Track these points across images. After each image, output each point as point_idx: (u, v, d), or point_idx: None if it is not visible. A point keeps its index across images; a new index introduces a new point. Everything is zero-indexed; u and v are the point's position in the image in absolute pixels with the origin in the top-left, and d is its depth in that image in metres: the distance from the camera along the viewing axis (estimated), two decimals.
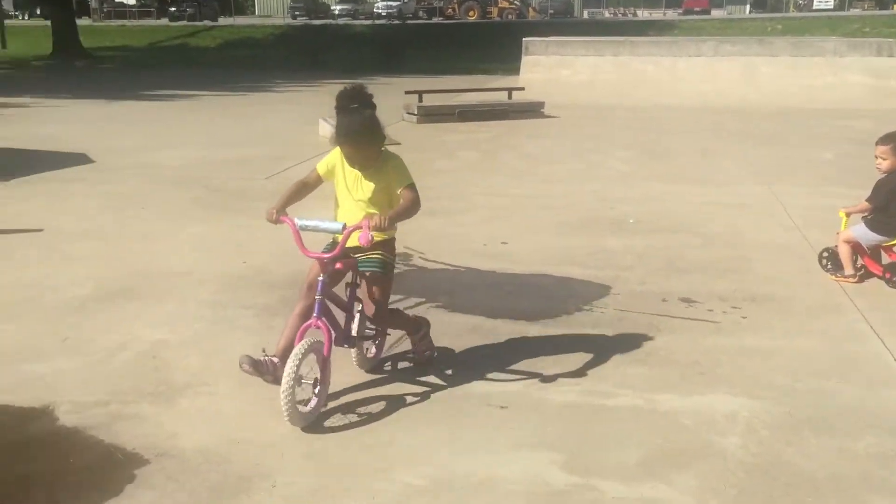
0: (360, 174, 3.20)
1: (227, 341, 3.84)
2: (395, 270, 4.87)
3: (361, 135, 3.08)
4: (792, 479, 2.68)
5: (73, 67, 25.18)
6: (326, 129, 10.13)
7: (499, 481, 2.68)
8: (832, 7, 54.93)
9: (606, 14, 53.90)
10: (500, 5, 47.61)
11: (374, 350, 3.56)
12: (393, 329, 3.58)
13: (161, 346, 3.78)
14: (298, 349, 2.91)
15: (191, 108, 14.14)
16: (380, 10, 49.85)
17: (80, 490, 2.59)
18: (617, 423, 3.09)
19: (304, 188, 3.30)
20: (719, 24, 36.92)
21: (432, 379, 3.47)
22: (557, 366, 3.59)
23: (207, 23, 43.38)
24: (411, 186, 3.19)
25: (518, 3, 48.36)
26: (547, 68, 16.23)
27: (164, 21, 45.67)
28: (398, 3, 51.30)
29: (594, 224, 6.06)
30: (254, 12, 62.42)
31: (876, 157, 4.71)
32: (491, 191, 7.22)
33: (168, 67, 25.30)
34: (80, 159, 8.50)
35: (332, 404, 3.21)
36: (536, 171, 8.15)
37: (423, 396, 3.32)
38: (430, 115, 12.00)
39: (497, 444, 2.93)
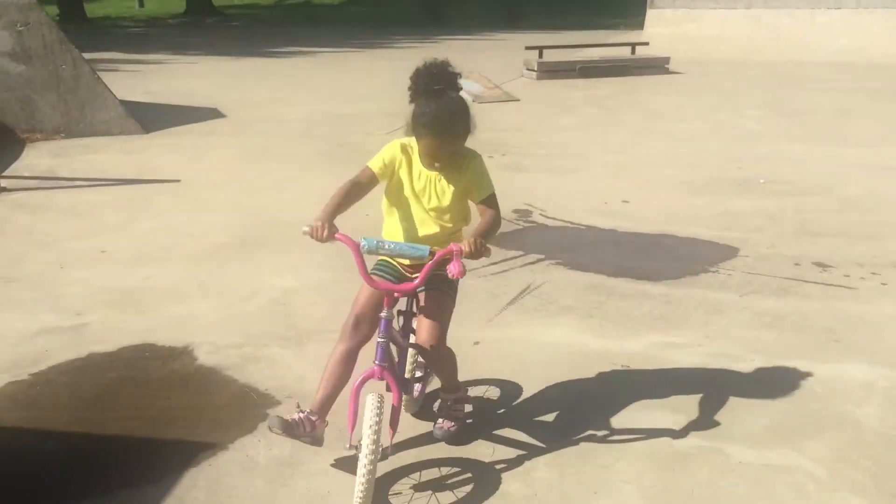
0: (435, 176, 2.47)
1: (352, 290, 3.93)
2: (516, 227, 4.90)
3: (455, 124, 2.35)
4: None
5: (205, 25, 26.13)
6: None
7: (619, 442, 2.66)
8: None
9: None
10: None
11: (419, 387, 2.84)
12: (442, 370, 2.65)
13: (290, 293, 3.92)
14: (373, 415, 2.20)
15: (314, 64, 14.44)
16: None
17: (218, 426, 2.74)
18: (745, 387, 3.01)
19: (356, 191, 2.48)
20: None
21: (554, 335, 3.46)
22: (681, 327, 3.52)
23: None
24: (493, 197, 2.50)
25: None
26: (673, 22, 15.65)
27: None
28: None
29: (721, 184, 5.85)
30: None
31: None
32: (612, 148, 7.08)
33: (292, 25, 25.89)
34: (212, 113, 8.85)
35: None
36: (660, 129, 7.91)
37: (545, 352, 3.32)
38: (550, 72, 11.82)
39: (619, 404, 2.90)
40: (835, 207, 5.23)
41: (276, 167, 6.52)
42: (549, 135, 7.72)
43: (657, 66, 12.33)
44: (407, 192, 2.52)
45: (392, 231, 2.59)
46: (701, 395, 2.94)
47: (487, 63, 13.23)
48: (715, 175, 6.09)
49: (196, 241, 4.71)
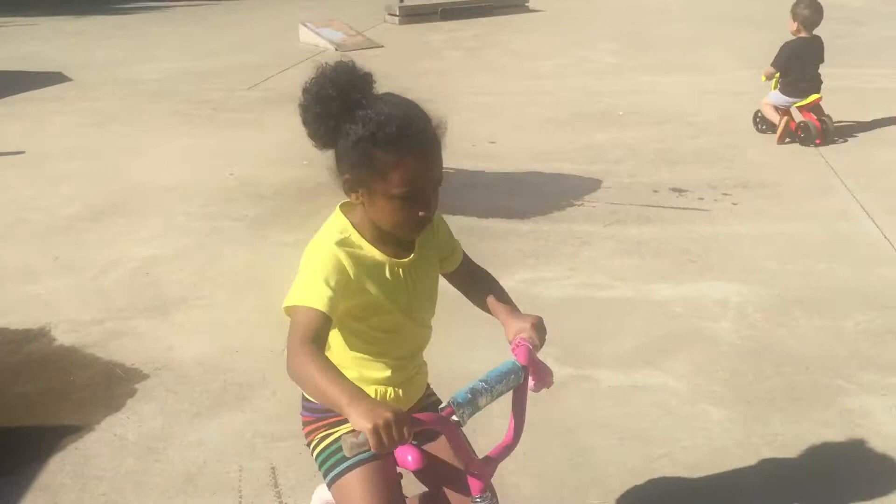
0: (411, 261, 1.54)
1: (219, 253, 3.84)
2: None
3: (438, 126, 1.50)
4: (782, 359, 2.73)
5: None
6: (307, 34, 9.88)
7: None
8: None
9: None
10: None
11: None
12: None
13: (152, 261, 3.77)
14: None
15: (165, 20, 13.72)
16: None
17: (83, 407, 2.62)
18: (611, 314, 3.12)
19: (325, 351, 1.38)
20: None
21: None
22: (551, 261, 3.60)
23: None
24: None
25: None
26: None
27: None
28: None
29: (583, 118, 5.98)
30: None
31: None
32: (477, 90, 7.10)
33: None
34: (57, 78, 8.30)
35: None
36: (522, 68, 7.99)
37: None
38: (412, 16, 11.68)
39: (493, 343, 2.95)
40: (689, 133, 5.45)
41: (130, 131, 6.19)
42: (414, 80, 7.64)
43: (517, 5, 12.38)
44: (386, 306, 1.50)
45: (365, 369, 1.55)
46: (571, 326, 3.03)
47: (348, 10, 12.93)
48: (577, 110, 6.22)
49: (46, 214, 4.43)
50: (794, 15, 5.16)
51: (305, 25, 9.99)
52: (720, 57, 8.02)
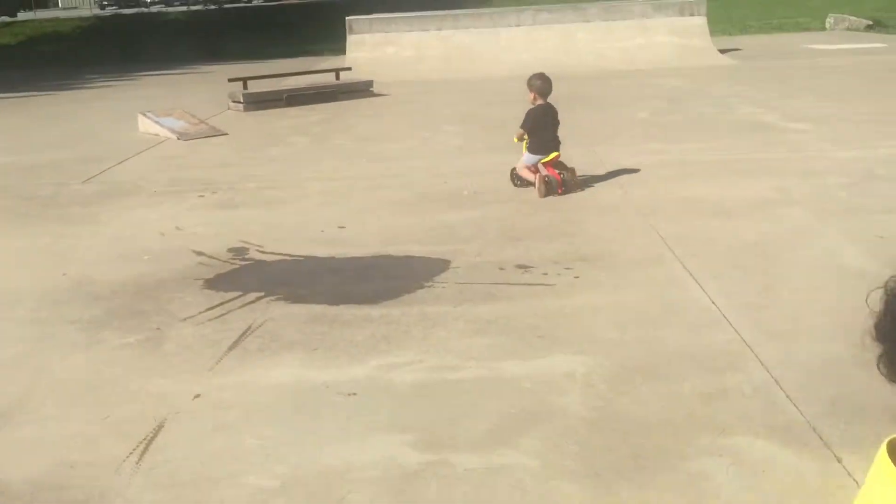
0: None
1: (50, 361, 3.60)
2: (232, 267, 4.76)
3: None
4: (628, 427, 2.82)
5: None
6: (147, 124, 9.65)
7: (353, 471, 2.66)
8: None
9: None
10: None
11: None
12: None
13: None
14: None
15: None
16: None
17: None
18: (464, 395, 3.14)
19: None
20: None
21: (279, 374, 3.39)
22: (403, 346, 3.61)
23: (5, 18, 40.10)
24: None
25: None
26: (372, 46, 16.15)
27: None
28: None
29: (430, 200, 6.11)
30: (57, 4, 58.47)
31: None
32: (324, 175, 7.13)
33: None
34: None
35: (172, 412, 3.07)
36: (369, 152, 8.11)
37: (271, 394, 3.24)
38: (257, 103, 11.66)
39: (349, 433, 2.91)
40: (530, 211, 5.67)
41: None
42: (260, 167, 7.61)
43: (362, 90, 12.64)
44: None
45: None
46: (426, 411, 3.02)
47: (192, 98, 12.77)
48: (424, 191, 6.35)
49: None
50: (530, 86, 6.21)
51: (145, 115, 9.76)
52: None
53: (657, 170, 6.62)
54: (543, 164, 6.08)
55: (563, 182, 6.00)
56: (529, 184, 6.05)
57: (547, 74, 6.27)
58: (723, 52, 15.55)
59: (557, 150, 6.08)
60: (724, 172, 6.43)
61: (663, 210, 5.45)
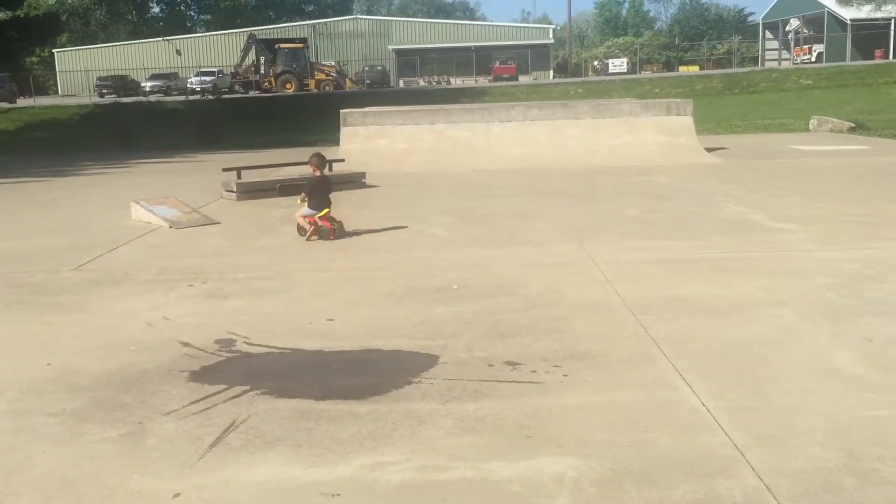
0: None
1: (29, 455, 3.52)
2: (218, 359, 4.72)
3: None
4: None
5: None
6: (139, 212, 9.71)
7: None
8: (625, 70, 59.89)
9: (421, 82, 55.94)
10: (316, 77, 48.19)
11: None
12: None
13: None
14: None
15: None
16: (194, 86, 49.12)
17: None
18: (451, 497, 3.07)
19: None
20: (527, 90, 39.10)
21: (262, 473, 3.32)
22: (389, 444, 3.55)
23: (5, 105, 40.81)
24: None
25: (335, 75, 49.15)
26: (366, 138, 16.45)
27: None
28: (213, 77, 50.82)
29: (419, 293, 6.11)
30: (56, 91, 59.69)
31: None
32: (315, 266, 7.15)
33: None
34: None
35: None
36: (359, 243, 8.16)
37: (253, 493, 3.16)
38: (249, 192, 11.80)
39: None
40: (520, 306, 5.67)
41: None
42: (251, 257, 7.63)
43: (355, 181, 12.81)
44: None
45: None
46: None
47: (185, 186, 12.92)
48: (413, 284, 6.36)
49: None
50: (311, 163, 8.42)
51: (138, 203, 9.84)
52: (546, 231, 8.54)
53: (645, 267, 6.67)
54: (319, 217, 8.18)
55: (333, 231, 8.19)
56: (305, 231, 8.26)
57: (322, 153, 8.72)
58: (709, 150, 15.92)
59: (329, 207, 8.25)
60: (711, 271, 6.49)
61: (652, 308, 5.47)
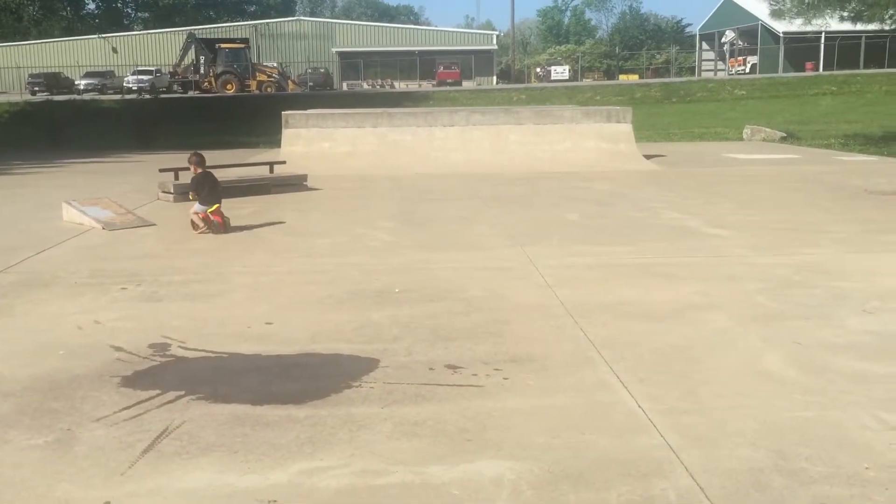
0: None
1: None
2: (152, 363, 4.60)
3: None
4: None
5: None
6: (71, 213, 9.44)
7: None
8: (567, 78, 60.66)
9: (365, 86, 55.76)
10: (258, 78, 47.60)
11: None
12: None
13: None
14: None
15: None
16: (130, 85, 48.08)
17: None
18: (389, 502, 3.05)
19: None
20: (470, 95, 39.27)
21: (195, 480, 3.25)
22: (328, 448, 3.51)
23: None
24: None
25: (277, 77, 48.62)
26: (308, 141, 16.30)
27: None
28: (150, 76, 49.79)
29: (360, 297, 6.07)
30: None
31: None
32: (253, 269, 7.04)
33: None
34: None
35: None
36: (299, 247, 8.07)
37: (186, 501, 3.09)
38: (187, 193, 11.55)
39: None
40: (460, 310, 5.68)
41: None
42: (187, 259, 7.48)
43: (296, 184, 12.69)
44: None
45: None
46: None
47: (120, 187, 12.62)
48: (354, 288, 6.32)
49: None
50: (190, 162, 8.93)
51: (70, 204, 9.57)
52: (488, 235, 8.58)
53: (586, 271, 6.75)
54: (210, 212, 8.61)
55: (223, 225, 8.67)
56: (198, 226, 8.65)
57: (202, 153, 9.11)
58: (648, 157, 16.22)
59: (219, 202, 8.68)
60: (649, 276, 6.60)
61: (591, 312, 5.53)
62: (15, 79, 50.12)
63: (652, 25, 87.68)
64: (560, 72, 62.57)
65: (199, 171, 8.83)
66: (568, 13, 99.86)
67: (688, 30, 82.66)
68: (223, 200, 8.95)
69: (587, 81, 55.53)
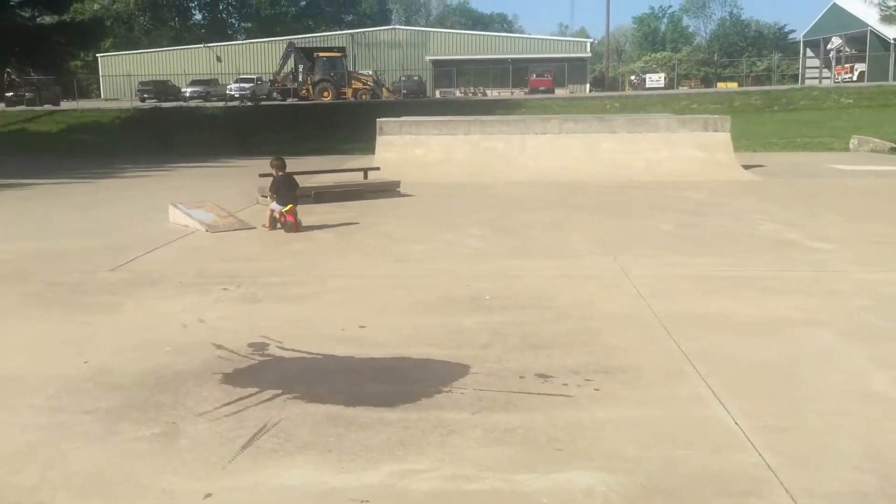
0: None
1: (64, 451, 3.58)
2: (251, 362, 4.76)
3: None
4: None
5: None
6: (177, 215, 9.85)
7: None
8: (663, 85, 59.56)
9: (458, 93, 56.05)
10: (353, 86, 48.46)
11: None
12: None
13: None
14: None
15: (27, 198, 13.42)
16: (233, 92, 49.67)
17: None
18: None
19: None
20: (563, 103, 38.98)
21: (291, 477, 3.34)
22: (419, 452, 3.55)
23: (49, 107, 41.67)
24: None
25: (372, 84, 49.41)
26: (401, 148, 16.52)
27: (1, 107, 43.47)
28: (251, 84, 51.37)
29: (451, 303, 6.12)
30: (99, 95, 60.80)
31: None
32: (347, 273, 7.19)
33: (3, 155, 24.00)
34: None
35: None
36: (392, 251, 8.20)
37: (282, 497, 3.19)
38: (266, 193, 11.89)
39: None
40: (551, 318, 5.65)
41: None
42: (285, 262, 7.70)
43: (389, 190, 12.88)
44: None
45: None
46: None
47: (222, 191, 13.08)
48: (445, 294, 6.37)
49: None
50: (272, 166, 9.74)
51: (176, 206, 9.99)
52: (579, 243, 8.51)
53: (680, 282, 6.61)
54: (284, 211, 9.22)
55: (295, 225, 9.21)
56: (273, 223, 9.39)
57: (282, 157, 10.00)
58: (746, 167, 15.76)
59: (294, 203, 9.32)
60: (746, 289, 6.41)
61: (685, 324, 5.42)
62: (126, 86, 52.54)
63: (753, 32, 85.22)
64: (655, 79, 61.51)
65: (280, 174, 9.52)
66: (665, 20, 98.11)
67: (791, 36, 79.83)
68: (302, 204, 9.81)
69: (683, 89, 54.38)
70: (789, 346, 4.98)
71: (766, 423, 3.81)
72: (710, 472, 3.33)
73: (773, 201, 11.60)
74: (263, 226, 9.43)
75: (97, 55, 62.80)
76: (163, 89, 52.28)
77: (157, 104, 43.48)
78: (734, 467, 3.38)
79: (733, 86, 56.78)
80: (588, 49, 64.53)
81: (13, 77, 44.09)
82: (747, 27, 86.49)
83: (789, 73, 64.85)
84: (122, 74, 56.42)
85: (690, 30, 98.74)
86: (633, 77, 66.50)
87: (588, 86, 60.66)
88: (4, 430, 3.80)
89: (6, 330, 5.47)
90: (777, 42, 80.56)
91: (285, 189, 9.41)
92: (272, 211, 9.38)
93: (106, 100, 54.92)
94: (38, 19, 31.37)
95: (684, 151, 15.85)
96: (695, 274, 6.93)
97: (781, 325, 5.40)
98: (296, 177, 13.28)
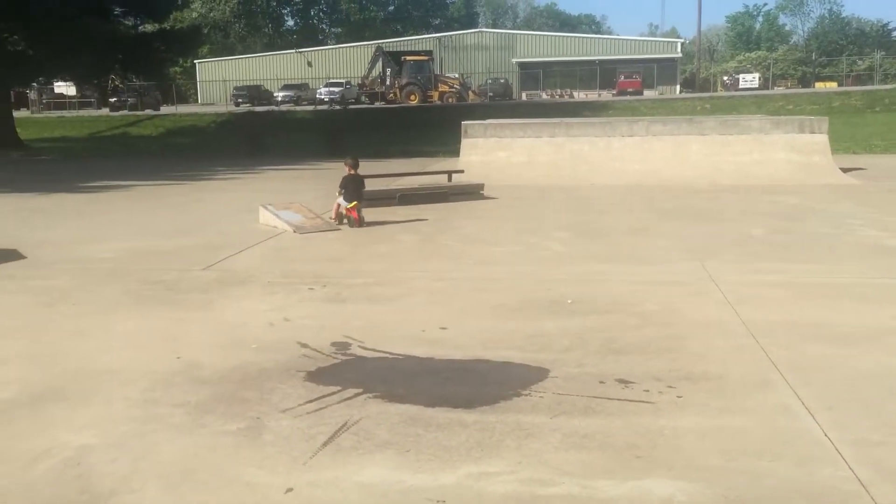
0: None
1: (156, 442, 3.73)
2: (334, 361, 4.86)
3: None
4: None
5: (10, 159, 24.86)
6: (266, 216, 10.13)
7: None
8: (757, 86, 57.84)
9: (544, 96, 55.78)
10: (440, 89, 48.80)
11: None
12: None
13: (86, 450, 3.64)
14: None
15: (128, 198, 14.02)
16: (322, 96, 50.75)
17: None
18: None
19: None
20: (651, 105, 38.31)
21: (370, 475, 3.40)
22: (496, 454, 3.56)
23: (150, 112, 43.47)
24: None
25: (458, 87, 49.66)
26: (485, 150, 16.53)
27: (105, 111, 45.58)
28: (340, 88, 52.36)
29: (532, 306, 6.10)
30: (196, 100, 63.05)
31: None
32: (430, 274, 7.25)
33: (107, 157, 25.17)
34: (9, 255, 8.31)
35: None
36: (475, 254, 8.22)
37: (361, 494, 3.24)
38: (371, 200, 12.03)
39: None
40: (634, 324, 5.57)
41: (78, 311, 6.15)
42: (369, 263, 7.82)
43: (473, 192, 12.92)
44: None
45: None
46: None
47: (310, 192, 13.36)
48: (526, 297, 6.35)
49: None
50: (346, 164, 10.40)
51: (266, 207, 10.27)
52: (664, 248, 8.35)
53: (769, 289, 6.41)
54: (349, 207, 9.96)
55: (358, 221, 9.94)
56: (338, 218, 10.13)
57: (357, 158, 10.65)
58: (845, 171, 15.13)
59: (359, 200, 10.07)
60: (841, 297, 6.17)
61: (775, 332, 5.25)
62: (222, 91, 54.30)
63: (854, 29, 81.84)
64: (749, 80, 59.77)
65: (351, 172, 10.29)
66: (760, 18, 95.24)
67: (895, 34, 76.36)
68: (370, 204, 10.54)
69: (779, 90, 52.66)
70: (885, 357, 4.76)
71: (858, 437, 3.66)
72: (797, 485, 3.22)
73: (872, 206, 11.12)
74: (331, 218, 10.12)
75: (195, 61, 65.11)
76: (256, 94, 53.81)
77: (251, 108, 44.78)
78: (823, 481, 3.26)
79: (832, 86, 54.63)
80: (678, 49, 63.22)
81: (117, 83, 46.17)
82: (848, 25, 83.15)
83: (892, 71, 61.97)
84: (218, 80, 58.30)
85: (787, 28, 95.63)
86: (725, 78, 64.79)
87: (678, 87, 59.41)
88: (102, 421, 3.99)
89: (106, 326, 5.74)
90: (880, 40, 77.11)
91: (353, 187, 10.09)
92: (338, 206, 10.11)
93: (203, 104, 56.92)
94: (140, 28, 32.77)
95: (778, 154, 15.33)
96: (786, 281, 6.71)
97: (878, 336, 5.17)
98: (381, 179, 13.54)
